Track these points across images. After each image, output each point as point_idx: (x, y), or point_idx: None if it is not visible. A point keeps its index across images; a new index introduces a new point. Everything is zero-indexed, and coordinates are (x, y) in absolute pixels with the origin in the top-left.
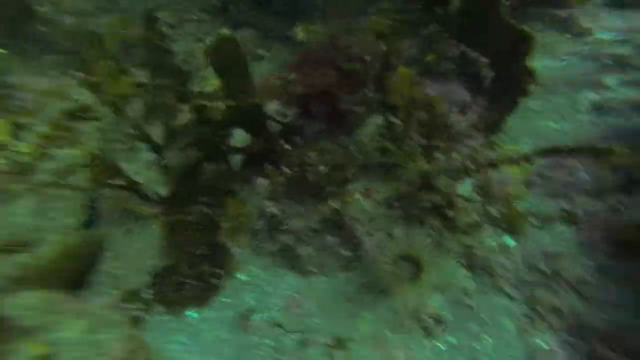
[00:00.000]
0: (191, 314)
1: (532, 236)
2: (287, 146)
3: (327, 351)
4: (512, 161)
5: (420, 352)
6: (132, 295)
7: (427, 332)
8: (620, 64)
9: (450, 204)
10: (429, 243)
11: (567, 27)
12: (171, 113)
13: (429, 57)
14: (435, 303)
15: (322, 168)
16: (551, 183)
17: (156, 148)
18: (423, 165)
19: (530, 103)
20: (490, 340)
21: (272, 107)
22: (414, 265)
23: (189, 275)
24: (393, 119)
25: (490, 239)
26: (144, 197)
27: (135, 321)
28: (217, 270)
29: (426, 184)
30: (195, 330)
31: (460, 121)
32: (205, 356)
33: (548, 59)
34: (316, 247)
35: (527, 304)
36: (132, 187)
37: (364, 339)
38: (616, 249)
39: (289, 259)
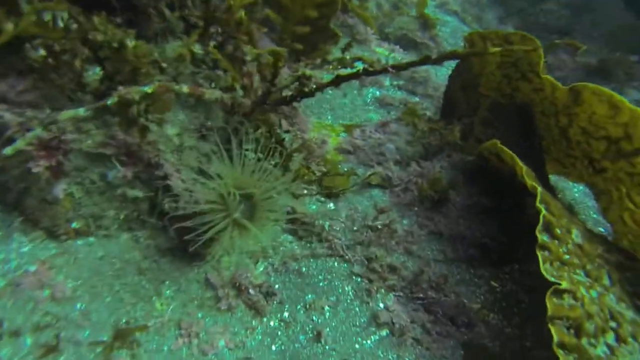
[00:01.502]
0: None
1: (351, 199)
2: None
3: (99, 353)
4: (324, 126)
5: (248, 335)
6: None
7: (254, 308)
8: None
9: (279, 146)
10: (259, 186)
11: (352, 33)
12: None
13: None
14: (259, 270)
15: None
16: (363, 153)
17: None
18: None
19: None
20: (328, 308)
21: None
22: (244, 211)
23: None
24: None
25: (310, 201)
26: None
27: None
28: None
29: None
30: None
31: None
32: None
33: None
34: (84, 185)
35: (363, 264)
36: None
37: (164, 325)
38: (424, 205)
39: (28, 208)
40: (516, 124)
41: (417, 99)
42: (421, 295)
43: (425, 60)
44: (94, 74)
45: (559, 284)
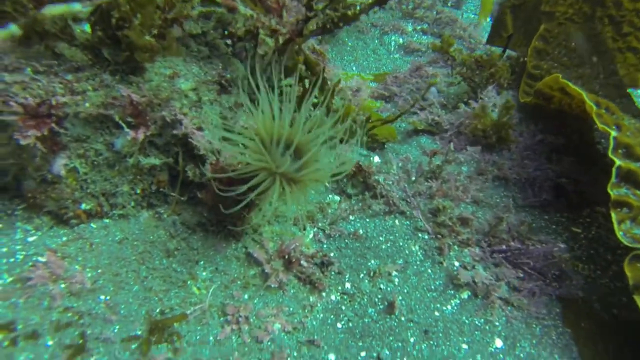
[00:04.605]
0: None
1: (399, 149)
2: None
3: (135, 350)
4: (351, 76)
5: (307, 314)
6: None
7: (310, 282)
8: (411, 15)
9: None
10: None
11: None
12: None
13: None
14: (308, 238)
15: None
16: (401, 99)
17: None
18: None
19: (348, 41)
20: (397, 274)
21: None
22: (290, 165)
23: None
24: None
25: (352, 155)
26: None
27: None
28: None
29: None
30: None
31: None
32: None
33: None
34: (88, 158)
35: (428, 219)
36: None
37: (205, 312)
38: (482, 148)
39: (29, 191)
40: (584, 44)
41: None
42: (503, 247)
43: None
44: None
45: None
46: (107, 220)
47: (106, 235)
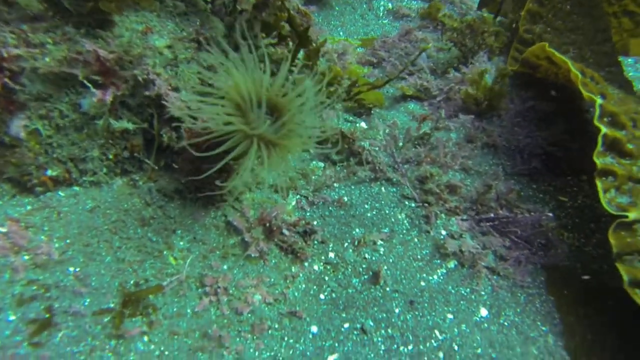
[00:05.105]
0: None
1: (386, 115)
2: None
3: (107, 323)
4: (337, 41)
5: (289, 285)
6: None
7: (292, 252)
8: None
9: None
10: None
11: None
12: None
13: None
14: (291, 205)
15: None
16: (389, 64)
17: None
18: None
19: (335, 6)
20: (382, 243)
21: None
22: (269, 128)
23: None
24: None
25: (337, 121)
26: None
27: None
28: None
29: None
30: None
31: None
32: None
33: None
34: (52, 119)
35: (415, 186)
36: None
37: (182, 283)
38: (471, 114)
39: None
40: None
41: None
42: (491, 215)
43: None
44: None
45: (626, 217)
46: (76, 188)
47: (76, 203)
